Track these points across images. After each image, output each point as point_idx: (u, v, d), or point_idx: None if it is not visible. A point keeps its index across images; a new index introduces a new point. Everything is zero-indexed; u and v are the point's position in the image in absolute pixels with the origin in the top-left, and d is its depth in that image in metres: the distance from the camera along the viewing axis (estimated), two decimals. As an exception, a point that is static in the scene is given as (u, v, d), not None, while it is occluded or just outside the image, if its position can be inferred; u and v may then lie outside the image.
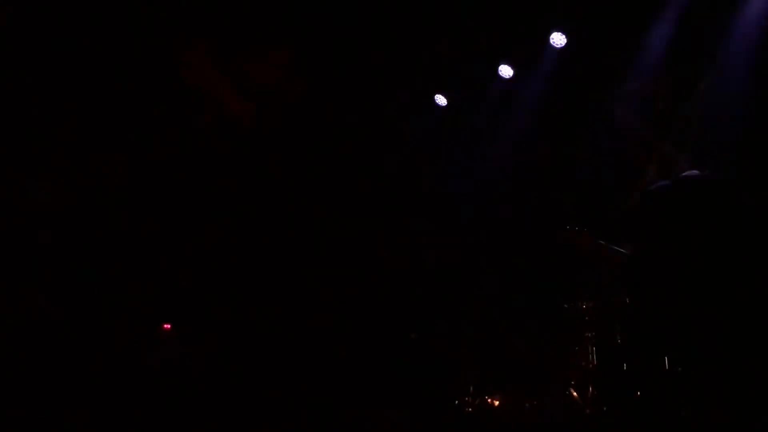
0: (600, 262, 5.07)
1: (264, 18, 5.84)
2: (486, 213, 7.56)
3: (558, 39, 6.98)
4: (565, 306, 5.97)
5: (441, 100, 8.10)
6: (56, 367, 4.03)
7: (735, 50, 6.05)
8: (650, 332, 4.22)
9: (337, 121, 6.46)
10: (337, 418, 5.29)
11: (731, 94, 5.98)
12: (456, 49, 6.97)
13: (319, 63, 6.57)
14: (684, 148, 6.56)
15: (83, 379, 4.02)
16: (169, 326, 5.16)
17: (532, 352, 6.11)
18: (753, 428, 3.24)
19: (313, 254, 6.27)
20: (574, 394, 5.71)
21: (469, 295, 6.51)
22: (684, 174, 3.61)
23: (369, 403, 6.05)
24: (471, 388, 6.12)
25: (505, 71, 7.54)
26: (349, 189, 6.96)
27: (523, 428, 5.55)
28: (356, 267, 6.37)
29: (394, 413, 5.61)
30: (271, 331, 5.74)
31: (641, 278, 3.55)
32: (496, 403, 6.12)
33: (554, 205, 7.00)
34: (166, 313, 5.10)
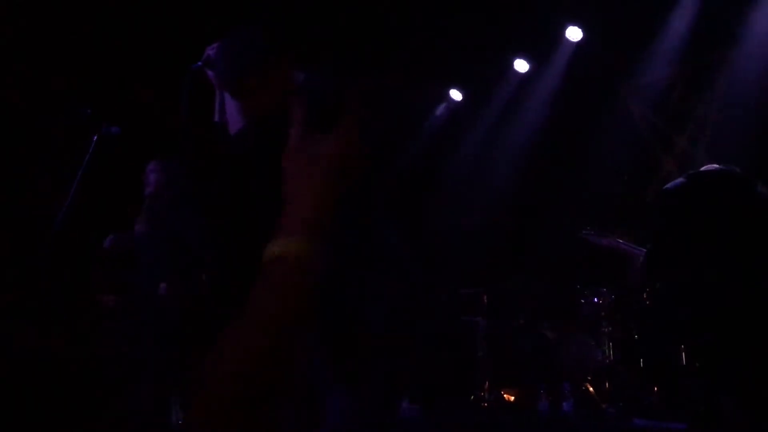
0: (618, 259, 5.06)
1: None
2: (500, 208, 7.56)
3: (573, 33, 6.95)
4: (582, 301, 5.96)
5: (456, 95, 8.11)
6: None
7: (752, 43, 6.00)
8: (668, 327, 4.22)
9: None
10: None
11: (749, 87, 5.93)
12: (471, 44, 6.96)
13: (331, 60, 6.57)
14: (701, 141, 6.53)
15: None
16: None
17: (547, 347, 6.10)
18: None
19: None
20: (591, 389, 5.71)
21: (485, 289, 6.50)
22: (701, 169, 3.59)
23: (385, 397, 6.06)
24: (486, 383, 6.13)
25: (521, 66, 7.53)
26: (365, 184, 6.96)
27: (538, 423, 5.55)
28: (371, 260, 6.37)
29: (410, 407, 5.62)
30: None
31: (659, 273, 3.54)
32: (512, 398, 6.13)
33: (570, 200, 6.98)
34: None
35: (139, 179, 4.30)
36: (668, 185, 3.58)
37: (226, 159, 2.78)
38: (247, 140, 2.59)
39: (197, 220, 4.03)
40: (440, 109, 8.14)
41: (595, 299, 5.87)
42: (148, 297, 3.92)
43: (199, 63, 2.74)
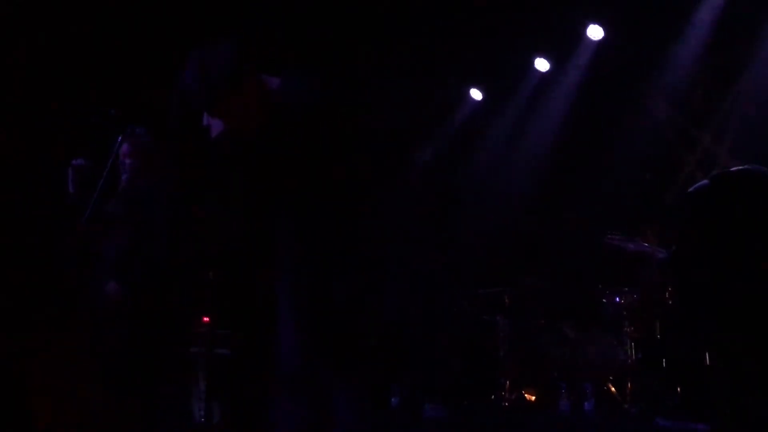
0: (643, 262, 5.04)
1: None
2: (521, 207, 7.54)
3: (594, 32, 6.91)
4: (604, 300, 5.93)
5: (476, 94, 8.10)
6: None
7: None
8: (692, 328, 4.19)
9: (374, 117, 6.48)
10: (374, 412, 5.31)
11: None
12: (491, 43, 6.95)
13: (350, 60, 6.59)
14: (724, 140, 6.47)
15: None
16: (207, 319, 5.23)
17: (569, 347, 6.08)
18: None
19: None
20: (612, 389, 5.68)
21: (506, 288, 6.49)
22: (727, 170, 3.57)
23: (406, 397, 6.09)
24: (507, 383, 6.12)
25: (541, 65, 7.51)
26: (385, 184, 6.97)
27: (559, 423, 5.54)
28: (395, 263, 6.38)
29: (432, 407, 5.63)
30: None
31: (684, 275, 3.53)
32: (533, 398, 6.12)
33: (591, 199, 6.95)
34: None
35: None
36: (692, 187, 3.56)
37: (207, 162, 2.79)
38: (222, 149, 2.59)
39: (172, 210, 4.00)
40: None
41: (617, 299, 5.85)
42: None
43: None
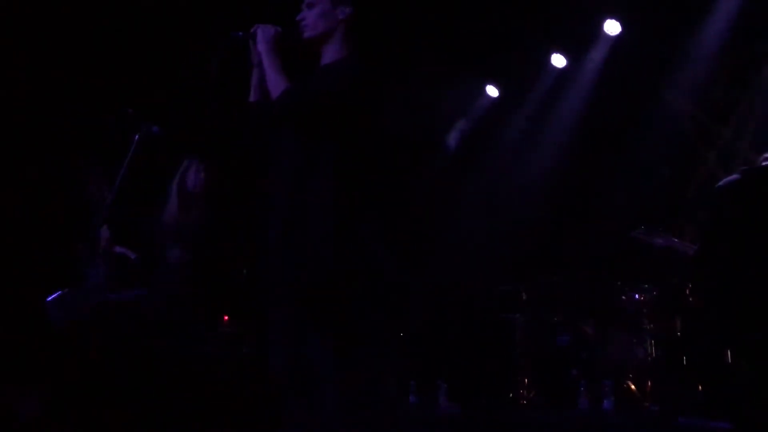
0: (671, 258, 4.97)
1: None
2: (539, 204, 7.49)
3: (612, 27, 6.85)
4: (623, 297, 5.88)
5: (492, 91, 8.05)
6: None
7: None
8: (715, 326, 4.14)
9: (390, 113, 6.46)
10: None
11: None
12: (507, 39, 6.90)
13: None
14: (745, 135, 6.40)
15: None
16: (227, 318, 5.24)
17: (587, 344, 6.04)
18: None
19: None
20: (632, 387, 5.63)
21: (523, 285, 6.45)
22: (757, 165, 3.52)
23: (422, 395, 6.08)
24: (525, 380, 6.09)
25: (558, 61, 7.45)
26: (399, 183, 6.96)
27: (578, 421, 5.50)
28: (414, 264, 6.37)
29: (449, 405, 5.62)
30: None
31: (709, 271, 3.48)
32: (551, 395, 6.07)
33: (609, 196, 6.90)
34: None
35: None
36: (721, 182, 3.51)
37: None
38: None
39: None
40: (453, 138, 8.10)
41: (636, 296, 5.79)
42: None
43: (240, 33, 2.75)
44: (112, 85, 5.60)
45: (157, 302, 4.01)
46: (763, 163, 3.49)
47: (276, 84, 2.60)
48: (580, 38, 7.10)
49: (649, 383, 5.48)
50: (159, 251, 4.12)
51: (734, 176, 3.49)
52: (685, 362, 5.09)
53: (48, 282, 4.19)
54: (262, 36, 2.68)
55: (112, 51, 5.71)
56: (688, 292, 5.30)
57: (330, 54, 2.70)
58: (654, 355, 5.55)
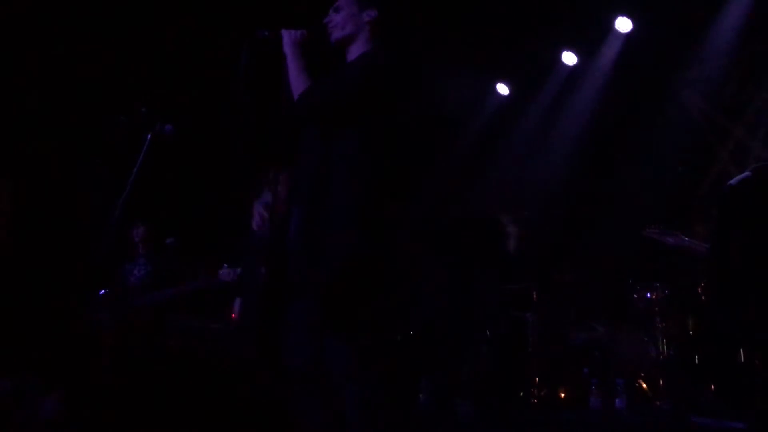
0: (683, 256, 4.95)
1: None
2: (551, 202, 7.48)
3: (623, 24, 6.82)
4: (635, 296, 5.86)
5: (503, 89, 8.04)
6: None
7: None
8: (728, 325, 4.11)
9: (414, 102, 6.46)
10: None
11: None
12: (518, 37, 6.89)
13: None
14: (758, 132, 6.36)
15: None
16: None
17: (599, 342, 6.02)
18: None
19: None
20: (644, 385, 5.61)
21: (535, 284, 6.44)
22: (765, 163, 3.50)
23: (434, 393, 6.07)
24: (537, 379, 6.08)
25: (569, 59, 7.43)
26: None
27: (590, 420, 5.49)
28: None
29: (461, 404, 5.61)
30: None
31: (722, 270, 3.46)
32: (563, 394, 6.06)
33: (622, 194, 6.87)
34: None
35: (194, 176, 4.36)
36: (734, 180, 3.49)
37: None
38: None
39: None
40: None
41: (648, 294, 5.77)
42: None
43: (266, 32, 2.83)
44: (127, 84, 5.63)
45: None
46: None
47: (297, 85, 2.71)
48: (592, 36, 7.07)
49: (662, 382, 5.46)
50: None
51: (745, 174, 3.47)
52: (697, 361, 5.07)
53: (80, 284, 4.23)
54: (288, 39, 2.79)
55: (128, 49, 5.73)
56: (700, 290, 5.28)
57: (355, 53, 2.83)
58: (666, 354, 5.53)
